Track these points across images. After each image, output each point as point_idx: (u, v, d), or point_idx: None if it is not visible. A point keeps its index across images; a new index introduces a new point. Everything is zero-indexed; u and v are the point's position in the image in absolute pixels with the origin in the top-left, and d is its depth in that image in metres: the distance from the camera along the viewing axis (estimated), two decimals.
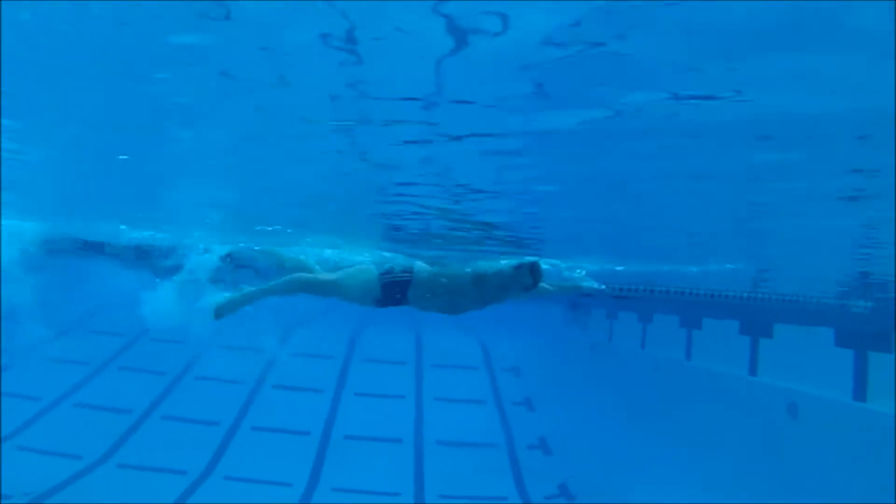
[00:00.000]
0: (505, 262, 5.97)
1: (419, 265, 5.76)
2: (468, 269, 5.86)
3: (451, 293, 5.71)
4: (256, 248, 8.03)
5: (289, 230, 8.61)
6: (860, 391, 8.44)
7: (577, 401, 16.27)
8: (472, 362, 19.52)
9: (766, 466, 9.40)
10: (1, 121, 4.73)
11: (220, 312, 5.57)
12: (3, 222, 10.92)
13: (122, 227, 11.40)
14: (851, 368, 8.46)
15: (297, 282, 5.49)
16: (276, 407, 16.87)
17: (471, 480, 14.11)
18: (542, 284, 5.96)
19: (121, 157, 5.07)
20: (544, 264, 6.25)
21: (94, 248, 14.66)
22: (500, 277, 5.77)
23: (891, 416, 7.27)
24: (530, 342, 19.02)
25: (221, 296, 5.61)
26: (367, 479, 14.06)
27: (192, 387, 17.76)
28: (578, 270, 8.54)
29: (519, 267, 5.85)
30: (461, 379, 18.50)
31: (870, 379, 8.36)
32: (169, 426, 15.88)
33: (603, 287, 5.84)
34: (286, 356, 18.85)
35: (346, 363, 19.19)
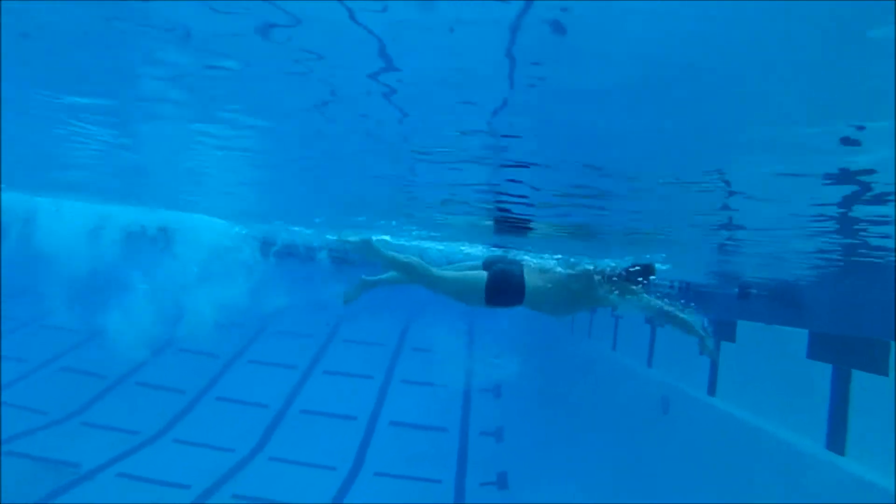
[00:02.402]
0: (612, 264, 5.87)
1: (529, 266, 5.69)
2: (574, 271, 5.80)
3: (557, 297, 5.66)
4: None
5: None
6: (712, 387, 8.54)
7: (536, 391, 16.53)
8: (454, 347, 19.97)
9: (638, 458, 10.08)
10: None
11: (347, 298, 5.80)
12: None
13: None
14: (707, 365, 8.56)
15: (414, 267, 5.49)
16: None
17: (413, 462, 14.46)
18: (651, 299, 5.74)
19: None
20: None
21: None
22: (608, 281, 5.71)
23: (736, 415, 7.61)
24: (517, 331, 19.20)
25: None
26: (311, 452, 14.64)
27: (243, 370, 18.37)
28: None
29: (631, 269, 5.74)
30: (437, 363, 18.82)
31: (720, 374, 8.42)
32: (221, 407, 16.42)
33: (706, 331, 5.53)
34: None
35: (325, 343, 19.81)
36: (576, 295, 5.73)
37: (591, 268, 5.92)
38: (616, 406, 11.80)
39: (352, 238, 5.62)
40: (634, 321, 11.96)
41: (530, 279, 5.53)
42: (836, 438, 5.99)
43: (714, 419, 8.11)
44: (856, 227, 4.28)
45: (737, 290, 8.95)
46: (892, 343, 5.53)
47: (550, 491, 12.71)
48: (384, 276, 5.87)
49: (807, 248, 5.28)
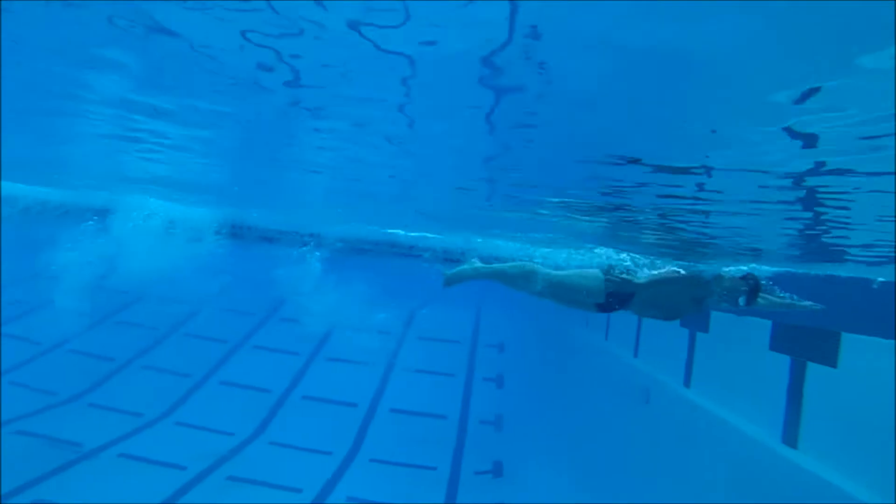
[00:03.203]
0: (726, 271, 5.72)
1: (642, 273, 5.57)
2: (687, 276, 5.63)
3: (670, 304, 5.58)
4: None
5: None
6: (688, 378, 8.46)
7: (538, 380, 16.59)
8: (458, 336, 20.00)
9: (623, 448, 10.18)
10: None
11: (448, 281, 5.78)
12: None
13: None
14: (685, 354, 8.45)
15: (524, 269, 5.49)
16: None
17: (409, 448, 14.55)
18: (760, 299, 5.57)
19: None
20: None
21: None
22: (719, 287, 5.51)
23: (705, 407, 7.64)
24: (521, 320, 19.17)
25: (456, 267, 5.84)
26: (310, 437, 14.77)
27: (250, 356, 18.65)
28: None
29: (745, 278, 5.53)
30: (440, 352, 18.97)
31: (695, 363, 8.32)
32: (224, 391, 16.71)
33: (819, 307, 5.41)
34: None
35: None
36: (687, 301, 5.59)
37: (707, 275, 5.71)
38: (605, 396, 11.75)
39: (465, 267, 5.66)
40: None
41: (644, 286, 5.45)
42: (791, 432, 5.89)
43: (687, 411, 8.04)
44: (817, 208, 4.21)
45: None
46: (843, 334, 5.42)
47: (544, 480, 12.74)
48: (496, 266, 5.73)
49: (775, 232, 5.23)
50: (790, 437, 5.89)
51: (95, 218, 15.78)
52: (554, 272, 5.47)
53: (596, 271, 5.51)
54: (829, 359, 5.43)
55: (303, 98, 3.69)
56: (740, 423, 6.76)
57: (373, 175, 6.33)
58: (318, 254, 19.95)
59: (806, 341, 5.86)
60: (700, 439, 7.54)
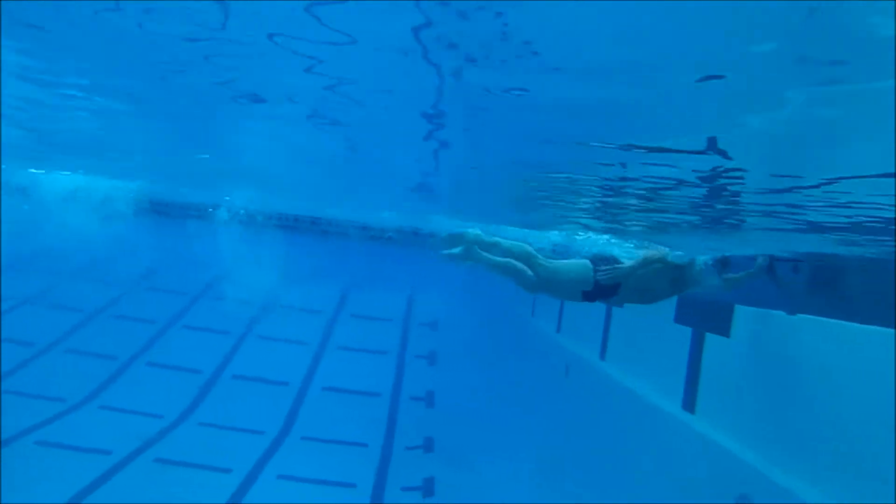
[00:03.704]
0: (701, 259, 5.79)
1: (627, 263, 5.57)
2: (670, 264, 5.68)
3: (651, 287, 5.60)
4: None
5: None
6: (603, 351, 8.89)
7: (470, 358, 16.82)
8: (391, 315, 20.15)
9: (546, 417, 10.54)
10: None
11: (449, 242, 5.69)
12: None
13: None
14: (601, 329, 8.80)
15: (524, 250, 5.36)
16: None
17: (341, 426, 14.68)
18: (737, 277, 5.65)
19: None
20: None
21: None
22: (692, 273, 5.63)
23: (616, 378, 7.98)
24: (455, 298, 19.50)
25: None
26: (239, 417, 14.71)
27: (179, 335, 18.28)
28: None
29: (716, 263, 5.65)
30: (373, 330, 19.06)
31: (610, 337, 8.69)
32: (152, 373, 16.36)
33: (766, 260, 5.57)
34: None
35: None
36: (666, 284, 5.64)
37: (691, 258, 5.80)
38: (531, 370, 12.07)
39: (455, 250, 5.57)
40: None
41: (629, 271, 5.47)
42: (690, 398, 6.20)
43: (601, 382, 8.36)
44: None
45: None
46: (736, 307, 5.72)
47: (473, 453, 13.02)
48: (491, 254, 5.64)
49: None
50: (689, 403, 6.20)
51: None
52: (547, 261, 5.49)
53: (584, 261, 5.56)
54: (724, 329, 5.72)
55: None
56: (647, 391, 7.07)
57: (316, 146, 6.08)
58: (250, 231, 19.66)
59: (704, 313, 6.15)
60: (612, 408, 7.86)
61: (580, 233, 9.12)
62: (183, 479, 12.04)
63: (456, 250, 5.56)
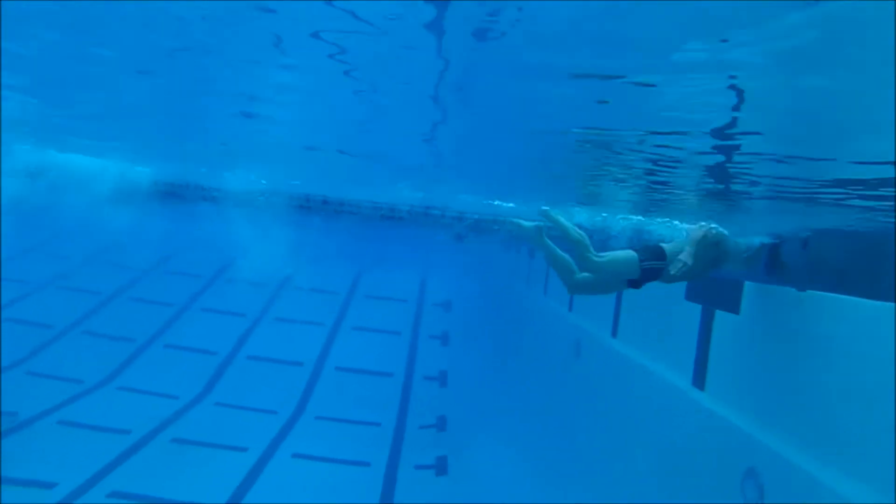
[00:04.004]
0: (743, 240, 5.75)
1: (668, 247, 5.50)
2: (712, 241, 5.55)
3: (696, 266, 5.42)
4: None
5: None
6: (615, 328, 8.83)
7: (483, 337, 16.90)
8: (404, 296, 20.23)
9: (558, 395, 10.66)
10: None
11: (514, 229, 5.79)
12: None
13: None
14: (613, 307, 8.80)
15: (580, 243, 5.32)
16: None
17: (354, 405, 14.88)
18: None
19: None
20: None
21: None
22: (732, 252, 5.61)
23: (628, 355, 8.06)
24: (467, 279, 19.50)
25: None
26: (255, 397, 14.90)
27: (197, 318, 18.50)
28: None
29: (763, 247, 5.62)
30: (387, 311, 19.18)
31: (621, 315, 8.70)
32: (170, 354, 16.58)
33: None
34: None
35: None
36: (711, 262, 5.55)
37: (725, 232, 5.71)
38: (543, 349, 12.08)
39: (525, 224, 5.64)
40: None
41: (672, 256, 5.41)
42: (699, 375, 6.20)
43: (612, 360, 8.36)
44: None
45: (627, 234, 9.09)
46: (745, 284, 5.69)
47: (485, 431, 13.11)
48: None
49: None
50: (699, 380, 6.20)
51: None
52: (598, 255, 5.44)
53: (629, 251, 5.50)
54: (734, 306, 5.69)
55: None
56: (658, 368, 7.07)
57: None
58: (264, 212, 19.77)
59: (714, 291, 6.12)
60: (623, 385, 7.87)
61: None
62: (199, 459, 12.25)
63: (529, 225, 5.61)
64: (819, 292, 4.88)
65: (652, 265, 5.36)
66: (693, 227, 5.60)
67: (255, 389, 15.29)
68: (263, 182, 16.33)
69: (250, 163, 12.03)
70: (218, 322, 18.24)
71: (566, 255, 5.56)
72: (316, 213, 21.41)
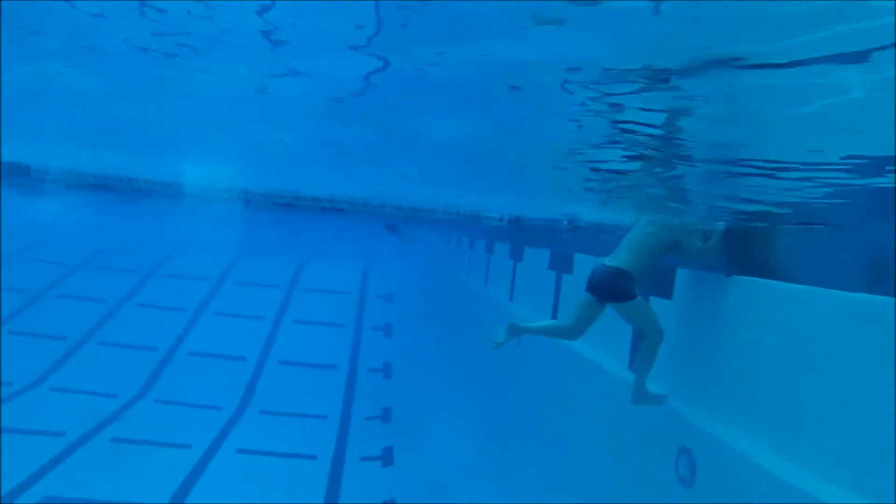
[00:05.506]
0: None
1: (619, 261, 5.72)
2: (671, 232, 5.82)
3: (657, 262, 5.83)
4: None
5: None
6: (554, 318, 8.96)
7: (425, 328, 17.15)
8: (346, 288, 20.25)
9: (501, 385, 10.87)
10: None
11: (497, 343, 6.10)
12: None
13: None
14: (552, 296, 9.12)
15: (555, 331, 6.17)
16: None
17: (299, 399, 14.89)
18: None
19: None
20: None
21: None
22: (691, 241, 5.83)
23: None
24: (410, 270, 19.72)
25: None
26: (196, 394, 14.68)
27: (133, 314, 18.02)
28: None
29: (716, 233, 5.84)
30: (329, 303, 19.20)
31: (560, 303, 8.96)
32: (105, 352, 16.12)
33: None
34: None
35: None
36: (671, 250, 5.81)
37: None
38: (485, 339, 12.28)
39: (501, 338, 5.96)
40: (503, 256, 12.38)
41: (634, 268, 5.62)
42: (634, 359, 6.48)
43: (553, 347, 8.60)
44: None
45: (565, 223, 9.33)
46: (677, 270, 5.98)
47: (430, 421, 13.27)
48: (532, 325, 6.10)
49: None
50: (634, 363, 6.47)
51: None
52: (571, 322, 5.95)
53: (588, 296, 5.88)
54: (666, 292, 5.97)
55: None
56: (595, 354, 7.34)
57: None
58: (202, 205, 19.35)
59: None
60: (560, 372, 8.14)
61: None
62: (141, 458, 12.00)
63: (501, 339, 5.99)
64: (745, 277, 5.19)
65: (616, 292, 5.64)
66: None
67: (198, 385, 15.05)
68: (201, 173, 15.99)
69: (190, 155, 11.76)
70: (156, 318, 17.82)
71: (549, 323, 6.25)
72: (255, 206, 21.12)
